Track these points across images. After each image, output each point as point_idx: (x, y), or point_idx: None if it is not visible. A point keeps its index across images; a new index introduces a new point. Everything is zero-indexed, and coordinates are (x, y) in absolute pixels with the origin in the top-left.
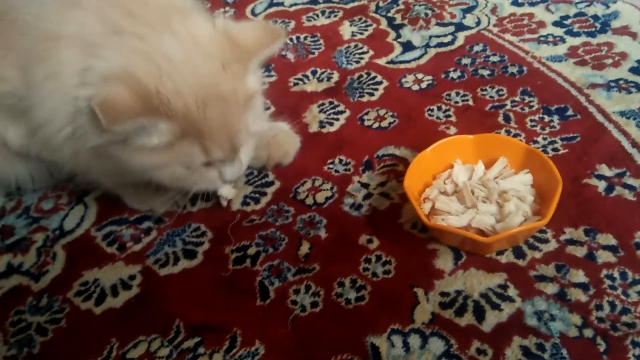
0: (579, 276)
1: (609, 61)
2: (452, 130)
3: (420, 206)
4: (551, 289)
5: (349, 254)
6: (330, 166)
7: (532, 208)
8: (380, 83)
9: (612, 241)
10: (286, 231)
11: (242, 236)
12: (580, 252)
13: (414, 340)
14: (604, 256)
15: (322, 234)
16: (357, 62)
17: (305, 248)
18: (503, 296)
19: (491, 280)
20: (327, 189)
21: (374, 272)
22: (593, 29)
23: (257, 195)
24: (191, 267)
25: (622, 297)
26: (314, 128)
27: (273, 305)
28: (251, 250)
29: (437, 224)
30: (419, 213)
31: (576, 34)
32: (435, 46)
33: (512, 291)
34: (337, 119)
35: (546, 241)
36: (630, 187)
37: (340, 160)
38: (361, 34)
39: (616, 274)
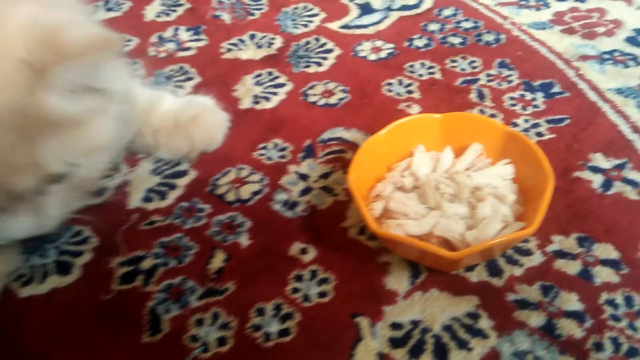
0: (572, 302)
1: (601, 29)
2: (415, 109)
3: (369, 206)
4: (536, 319)
5: (276, 269)
6: (262, 152)
7: (514, 210)
8: (330, 51)
9: (613, 254)
10: (196, 237)
11: (137, 244)
12: (572, 268)
13: None
14: (602, 274)
15: (244, 241)
16: (305, 25)
17: (218, 260)
18: (473, 330)
19: (458, 306)
20: (255, 181)
21: (305, 295)
22: None
23: (165, 188)
24: (63, 286)
25: (629, 331)
26: (245, 104)
27: (165, 343)
28: (146, 264)
29: (389, 233)
30: (366, 217)
31: None
32: (398, 9)
33: (484, 322)
34: (276, 93)
35: (528, 253)
36: (633, 183)
37: (275, 145)
38: None
39: (619, 299)
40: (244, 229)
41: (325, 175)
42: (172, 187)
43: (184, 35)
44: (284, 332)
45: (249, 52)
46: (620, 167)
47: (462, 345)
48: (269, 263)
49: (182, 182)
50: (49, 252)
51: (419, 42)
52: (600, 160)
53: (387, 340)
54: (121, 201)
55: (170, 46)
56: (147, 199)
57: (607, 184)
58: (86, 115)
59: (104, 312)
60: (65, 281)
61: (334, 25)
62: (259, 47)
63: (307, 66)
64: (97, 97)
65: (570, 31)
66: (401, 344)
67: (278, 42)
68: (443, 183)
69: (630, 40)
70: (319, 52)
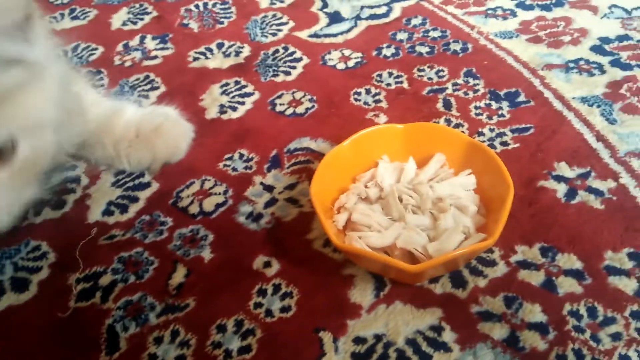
0: (535, 313)
1: (567, 38)
2: (382, 118)
3: (332, 218)
4: (499, 331)
5: (238, 284)
6: (227, 163)
7: (476, 221)
8: (299, 60)
9: (577, 264)
10: (157, 251)
11: (96, 259)
12: (536, 278)
13: None
14: (566, 285)
15: (206, 254)
16: (274, 34)
17: (179, 275)
18: (436, 343)
19: (422, 319)
20: (220, 193)
21: (268, 310)
22: (548, 2)
23: (126, 201)
24: (19, 303)
25: (592, 343)
26: (212, 114)
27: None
28: (104, 280)
29: (350, 247)
30: (327, 230)
31: (529, 7)
32: (367, 18)
33: (448, 335)
34: (243, 103)
35: (492, 263)
36: (597, 192)
37: (241, 155)
38: (282, 1)
39: (583, 310)
40: (206, 243)
41: (290, 187)
42: (134, 199)
43: (151, 43)
44: (245, 349)
45: (216, 61)
46: (584, 176)
47: (425, 359)
48: (232, 277)
49: (144, 194)
50: (5, 269)
51: (387, 51)
52: (564, 169)
53: (349, 355)
54: (81, 214)
55: (136, 55)
56: (108, 212)
57: (571, 193)
58: (8, 88)
59: (61, 330)
60: (20, 299)
61: (303, 34)
62: (227, 55)
63: (275, 75)
64: (17, 68)
65: (536, 40)
66: (364, 358)
67: (246, 50)
68: (406, 194)
69: (595, 48)
70: (287, 61)
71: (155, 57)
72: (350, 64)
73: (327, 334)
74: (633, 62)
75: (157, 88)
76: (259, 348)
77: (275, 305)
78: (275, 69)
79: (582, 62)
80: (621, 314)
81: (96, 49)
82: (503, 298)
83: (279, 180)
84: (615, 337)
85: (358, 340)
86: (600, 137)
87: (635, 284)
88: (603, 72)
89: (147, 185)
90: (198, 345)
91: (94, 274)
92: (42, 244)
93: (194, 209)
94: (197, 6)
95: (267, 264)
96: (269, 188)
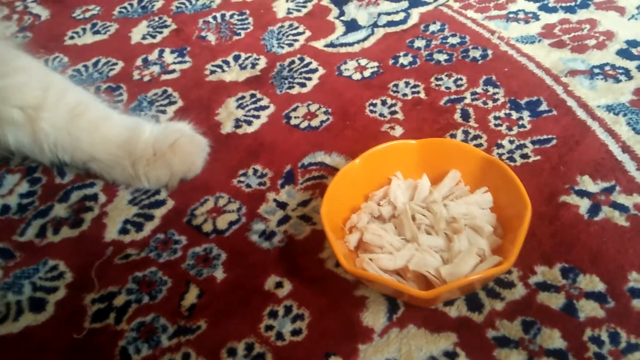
0: (555, 339)
1: (592, 42)
2: (398, 130)
3: (344, 239)
4: (516, 358)
5: (250, 305)
6: (242, 179)
7: (492, 242)
8: (315, 71)
9: (599, 286)
10: (171, 271)
11: (112, 279)
12: (556, 301)
13: None
14: (587, 308)
15: (219, 274)
16: (290, 45)
17: (192, 296)
18: None
19: (436, 344)
20: (233, 211)
21: (279, 333)
22: (572, 3)
23: (142, 219)
24: (36, 324)
25: None
26: (227, 128)
27: None
28: (119, 300)
29: (360, 271)
30: (337, 253)
31: (552, 10)
32: (384, 25)
33: None
34: (258, 117)
35: (511, 285)
36: (622, 208)
37: (255, 171)
38: (298, 10)
39: (604, 336)
40: (219, 262)
41: (304, 203)
42: (149, 217)
43: (169, 57)
44: None
45: (232, 74)
46: (608, 190)
47: None
48: (244, 298)
49: (160, 212)
50: (23, 288)
51: (404, 60)
52: (587, 183)
53: None
54: (98, 233)
55: (155, 69)
56: (124, 231)
57: (594, 209)
58: None
59: (76, 352)
60: (38, 319)
61: (319, 44)
62: (243, 68)
63: (291, 87)
64: None
65: (559, 45)
66: None
67: (262, 62)
68: (419, 213)
69: (622, 52)
70: (303, 72)
71: (173, 71)
72: (367, 73)
73: (338, 359)
74: None
75: (174, 103)
76: None
77: (286, 327)
78: (291, 80)
79: (607, 68)
80: None
81: (116, 63)
82: (521, 322)
83: (293, 196)
84: None
85: None
86: (626, 149)
87: None
88: (630, 77)
89: (163, 202)
90: None
91: (108, 295)
92: (59, 263)
93: (207, 227)
94: (214, 17)
95: (279, 285)
96: (282, 205)
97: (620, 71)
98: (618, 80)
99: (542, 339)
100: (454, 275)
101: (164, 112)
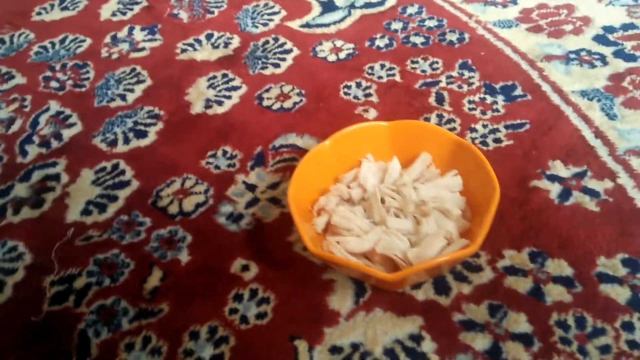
0: (520, 323)
1: (569, 27)
2: (372, 113)
3: (312, 222)
4: (481, 342)
5: (215, 288)
6: (210, 160)
7: (460, 225)
8: (289, 51)
9: (567, 270)
10: (134, 254)
11: (72, 261)
12: (523, 285)
13: None
14: (554, 293)
15: (184, 257)
16: (265, 24)
17: (155, 279)
18: (415, 353)
19: (402, 327)
20: (200, 192)
21: (243, 316)
22: None
23: (105, 200)
24: None
25: (578, 356)
26: (197, 108)
27: None
28: (79, 283)
29: (326, 254)
30: (302, 236)
31: None
32: (361, 7)
33: (427, 345)
34: (229, 97)
35: (478, 269)
36: (592, 193)
37: (225, 152)
38: None
39: (571, 320)
40: (184, 244)
41: (273, 186)
42: (113, 198)
43: (139, 35)
44: (217, 358)
45: (204, 53)
46: (580, 175)
47: None
48: (208, 281)
49: (124, 193)
50: None
51: (381, 42)
52: (559, 168)
53: None
54: (59, 214)
55: (124, 47)
56: (86, 212)
57: (565, 194)
58: None
59: (33, 335)
60: None
61: (295, 24)
62: (215, 47)
63: (264, 67)
64: None
65: (536, 29)
66: None
67: (235, 42)
68: (389, 196)
69: (598, 38)
70: (277, 53)
71: (143, 49)
72: (342, 55)
73: (302, 343)
74: (638, 53)
75: (143, 81)
76: (232, 357)
77: (251, 311)
78: (265, 61)
79: (583, 53)
80: (611, 325)
81: (84, 40)
82: (488, 306)
83: (262, 179)
84: (604, 349)
85: (334, 350)
86: (599, 134)
87: (628, 292)
88: (605, 63)
89: (127, 183)
90: (169, 352)
91: (68, 277)
92: (19, 244)
93: (173, 209)
94: None
95: (246, 268)
96: (251, 187)
97: (596, 57)
98: (593, 66)
99: (508, 322)
100: (421, 258)
101: (131, 90)
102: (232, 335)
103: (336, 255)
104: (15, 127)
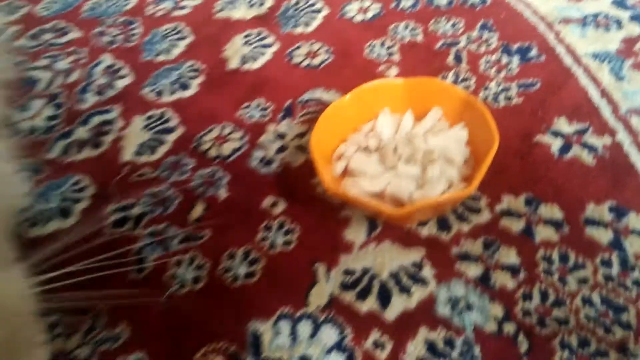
0: (510, 256)
1: None
2: (393, 71)
3: (331, 166)
4: (474, 270)
5: (248, 220)
6: (245, 111)
7: (462, 172)
8: (319, 11)
9: (557, 214)
10: (180, 189)
11: (129, 193)
12: (516, 226)
13: (304, 328)
14: (543, 232)
15: (222, 193)
16: None
17: (198, 210)
18: (415, 277)
19: (406, 256)
20: (237, 139)
21: (272, 243)
22: None
23: (155, 143)
24: (64, 227)
25: (558, 285)
26: (233, 64)
27: (148, 280)
28: (135, 211)
29: (340, 192)
30: (321, 177)
31: None
32: None
33: (427, 271)
34: (263, 54)
35: (478, 211)
36: (590, 148)
37: (258, 104)
38: None
39: (555, 256)
40: (222, 183)
41: (300, 135)
42: (162, 142)
43: None
44: (250, 275)
45: (240, 12)
46: (581, 132)
47: (404, 290)
48: (243, 214)
49: (171, 138)
50: (52, 198)
51: (406, 3)
52: (563, 124)
53: (339, 284)
54: (115, 154)
55: (167, 5)
56: (139, 153)
57: (565, 148)
58: None
59: (98, 250)
60: (66, 223)
61: None
62: (251, 6)
63: (295, 26)
64: None
65: None
66: (351, 287)
67: (269, 1)
68: (401, 145)
69: (617, 2)
70: (308, 12)
71: (185, 7)
72: (368, 15)
73: (321, 266)
74: None
75: (185, 38)
76: (262, 274)
77: (278, 239)
78: (296, 20)
79: (600, 16)
80: (591, 261)
81: None
82: (483, 241)
83: (291, 128)
84: (582, 281)
85: (347, 272)
86: (604, 94)
87: (610, 235)
88: (620, 27)
89: (173, 129)
90: (211, 269)
91: (126, 206)
92: (82, 178)
93: (213, 153)
94: None
95: (274, 204)
96: (281, 136)
97: (613, 20)
98: (608, 30)
99: (499, 255)
100: (425, 198)
101: (175, 46)
102: (263, 257)
103: (350, 194)
104: (73, 77)
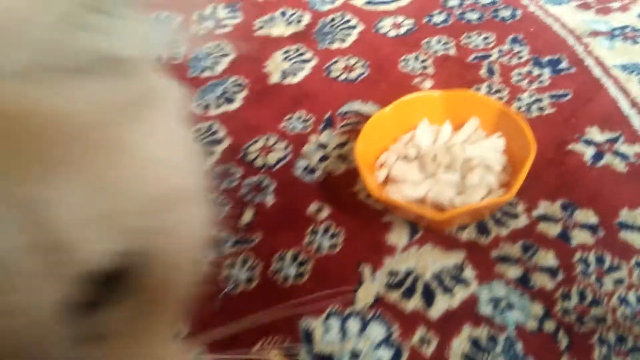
0: (548, 259)
1: (617, 5)
2: (428, 84)
3: (374, 173)
4: (513, 272)
5: (295, 224)
6: (288, 122)
7: (500, 179)
8: (354, 27)
9: (592, 219)
10: (230, 196)
11: None
12: (553, 230)
13: (353, 325)
14: (580, 236)
15: (269, 200)
16: (332, 2)
17: (248, 216)
18: (457, 278)
19: (447, 259)
20: (281, 149)
21: (319, 246)
22: None
23: (204, 153)
24: None
25: (595, 285)
26: (274, 79)
27: (203, 281)
28: None
29: (385, 197)
30: (367, 183)
31: None
32: None
33: (468, 273)
34: (302, 69)
35: (516, 216)
36: (622, 156)
37: (300, 116)
38: None
39: (591, 258)
40: (269, 190)
41: (341, 145)
42: (210, 153)
43: (222, 12)
44: (299, 275)
45: (279, 29)
46: (613, 140)
47: (447, 290)
48: (290, 219)
49: (219, 148)
50: None
51: (438, 18)
52: (595, 133)
53: (384, 284)
54: None
55: (209, 24)
56: None
57: (597, 156)
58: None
59: None
60: None
61: (359, 2)
62: (289, 23)
63: (332, 42)
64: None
65: (585, 6)
66: (396, 287)
67: (306, 18)
68: (441, 154)
69: None
70: (343, 29)
71: (226, 25)
72: (401, 31)
73: (366, 267)
74: None
75: (227, 55)
76: (311, 275)
77: (325, 242)
78: (332, 36)
79: (627, 30)
80: (627, 263)
81: (176, 17)
82: (521, 245)
83: (332, 139)
84: (618, 282)
85: (392, 274)
86: (634, 104)
87: None
88: None
89: (221, 141)
90: (263, 269)
91: None
92: None
93: (259, 162)
94: None
95: (319, 210)
96: (322, 146)
97: (639, 33)
98: (636, 42)
99: (537, 258)
100: (465, 204)
101: (218, 63)
102: (311, 259)
103: (393, 198)
104: None
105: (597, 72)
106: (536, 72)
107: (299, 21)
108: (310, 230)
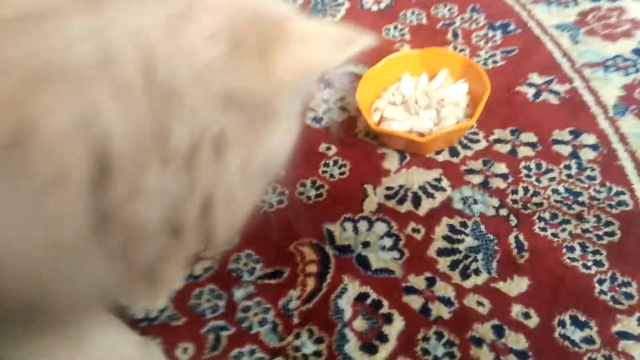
0: (501, 168)
1: None
2: (406, 47)
3: (370, 115)
4: (477, 179)
5: (310, 160)
6: None
7: (465, 112)
8: (342, 4)
9: (533, 138)
10: None
11: None
12: (504, 149)
13: (362, 225)
14: (524, 151)
15: None
16: None
17: None
18: (437, 187)
19: (428, 175)
20: None
21: (331, 174)
22: None
23: None
24: None
25: (535, 183)
26: None
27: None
28: None
29: (383, 129)
30: (368, 120)
31: None
32: None
33: (444, 183)
34: None
35: (477, 141)
36: (555, 93)
37: None
38: None
39: (532, 165)
40: None
41: (341, 99)
42: None
43: None
44: (318, 195)
45: None
46: (548, 82)
47: (429, 196)
48: (305, 157)
49: None
50: None
51: None
52: (535, 78)
53: (383, 196)
54: None
55: None
56: None
57: (537, 94)
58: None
59: None
60: None
61: None
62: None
63: (324, 17)
64: None
65: None
66: (392, 197)
67: None
68: (420, 97)
69: None
70: (333, 6)
71: None
72: (382, 5)
73: (369, 186)
74: None
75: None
76: (327, 194)
77: (335, 171)
78: (324, 12)
79: None
80: (557, 167)
81: None
82: (482, 161)
83: (331, 95)
84: (551, 179)
85: (388, 188)
86: (565, 54)
87: (570, 149)
88: (577, 4)
89: None
90: (289, 193)
91: None
92: None
93: None
94: None
95: (328, 148)
96: (325, 100)
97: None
98: (567, 6)
99: (494, 168)
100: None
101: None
102: (326, 183)
103: (391, 130)
104: None
105: (537, 31)
106: (490, 34)
107: (294, 0)
108: (322, 163)
